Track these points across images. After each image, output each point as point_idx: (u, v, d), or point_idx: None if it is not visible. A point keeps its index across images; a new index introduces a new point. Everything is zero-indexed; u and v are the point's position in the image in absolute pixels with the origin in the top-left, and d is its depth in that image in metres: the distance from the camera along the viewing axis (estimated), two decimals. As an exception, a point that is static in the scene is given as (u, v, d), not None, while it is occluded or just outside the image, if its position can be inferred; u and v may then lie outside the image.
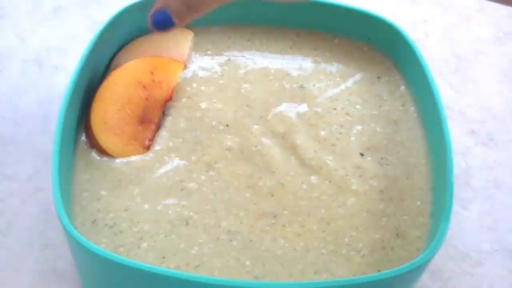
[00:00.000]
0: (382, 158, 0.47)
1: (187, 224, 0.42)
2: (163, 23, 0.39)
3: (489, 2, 0.38)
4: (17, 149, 0.52)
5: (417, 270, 0.39)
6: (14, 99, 0.56)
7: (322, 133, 0.48)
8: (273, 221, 0.43)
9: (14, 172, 0.51)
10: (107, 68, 0.51)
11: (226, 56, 0.53)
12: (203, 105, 0.49)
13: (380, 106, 0.50)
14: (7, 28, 0.62)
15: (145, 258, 0.40)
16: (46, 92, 0.56)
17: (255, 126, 0.48)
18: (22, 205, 0.49)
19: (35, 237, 0.47)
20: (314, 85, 0.51)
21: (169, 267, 0.40)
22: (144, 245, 0.41)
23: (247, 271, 0.40)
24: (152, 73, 0.48)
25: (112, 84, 0.48)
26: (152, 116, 0.48)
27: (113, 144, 0.46)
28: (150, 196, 0.44)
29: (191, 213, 0.43)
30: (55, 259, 0.46)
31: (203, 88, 0.50)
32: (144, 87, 0.48)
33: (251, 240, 0.42)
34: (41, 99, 0.56)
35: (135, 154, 0.46)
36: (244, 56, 0.53)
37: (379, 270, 0.41)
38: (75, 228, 0.40)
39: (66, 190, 0.43)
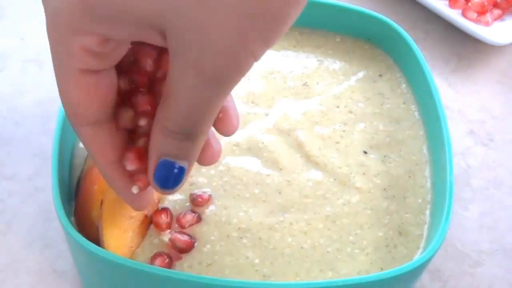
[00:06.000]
0: (384, 156, 0.47)
1: (200, 219, 0.42)
2: (173, 178, 0.31)
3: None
4: (17, 149, 0.52)
5: (416, 270, 0.39)
6: (14, 99, 0.56)
7: (326, 130, 0.48)
8: (281, 219, 0.43)
9: (14, 172, 0.51)
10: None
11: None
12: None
13: (382, 104, 0.50)
14: (7, 28, 0.62)
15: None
16: (46, 92, 0.56)
17: (261, 123, 0.48)
18: (22, 205, 0.49)
19: (35, 237, 0.47)
20: (318, 83, 0.51)
21: (183, 266, 0.40)
22: (156, 241, 0.41)
23: (256, 270, 0.40)
24: None
25: None
26: None
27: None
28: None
29: (203, 208, 0.43)
30: (55, 259, 0.46)
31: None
32: None
33: (260, 238, 0.42)
34: (41, 99, 0.56)
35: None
36: (248, 54, 0.53)
37: (382, 269, 0.41)
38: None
39: (66, 190, 0.43)
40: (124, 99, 0.32)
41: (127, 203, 0.35)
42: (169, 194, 0.32)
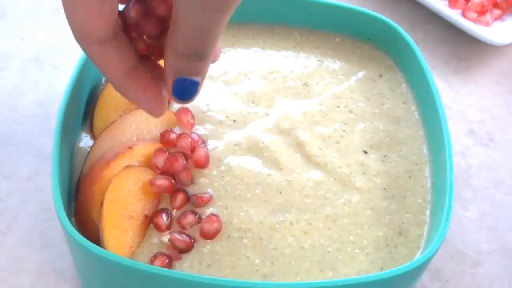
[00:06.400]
0: (384, 156, 0.47)
1: (200, 219, 0.42)
2: (188, 90, 0.35)
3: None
4: (17, 149, 0.52)
5: (416, 270, 0.39)
6: (14, 99, 0.56)
7: (326, 130, 0.48)
8: (282, 219, 0.43)
9: (14, 172, 0.51)
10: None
11: (231, 53, 0.53)
12: (209, 100, 0.49)
13: (382, 104, 0.50)
14: (7, 28, 0.62)
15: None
16: (46, 92, 0.56)
17: (261, 122, 0.48)
18: (22, 205, 0.49)
19: (35, 237, 0.47)
20: (318, 83, 0.51)
21: (183, 266, 0.40)
22: (155, 240, 0.41)
23: (257, 270, 0.40)
24: None
25: (112, 90, 0.48)
26: None
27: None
28: None
29: (204, 209, 0.43)
30: (55, 259, 0.46)
31: (208, 83, 0.50)
32: None
33: (260, 238, 0.42)
34: (41, 99, 0.56)
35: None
36: (248, 54, 0.53)
37: (382, 269, 0.41)
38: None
39: (66, 190, 0.43)
40: (126, 22, 0.35)
41: (144, 109, 0.37)
42: (187, 103, 0.36)
